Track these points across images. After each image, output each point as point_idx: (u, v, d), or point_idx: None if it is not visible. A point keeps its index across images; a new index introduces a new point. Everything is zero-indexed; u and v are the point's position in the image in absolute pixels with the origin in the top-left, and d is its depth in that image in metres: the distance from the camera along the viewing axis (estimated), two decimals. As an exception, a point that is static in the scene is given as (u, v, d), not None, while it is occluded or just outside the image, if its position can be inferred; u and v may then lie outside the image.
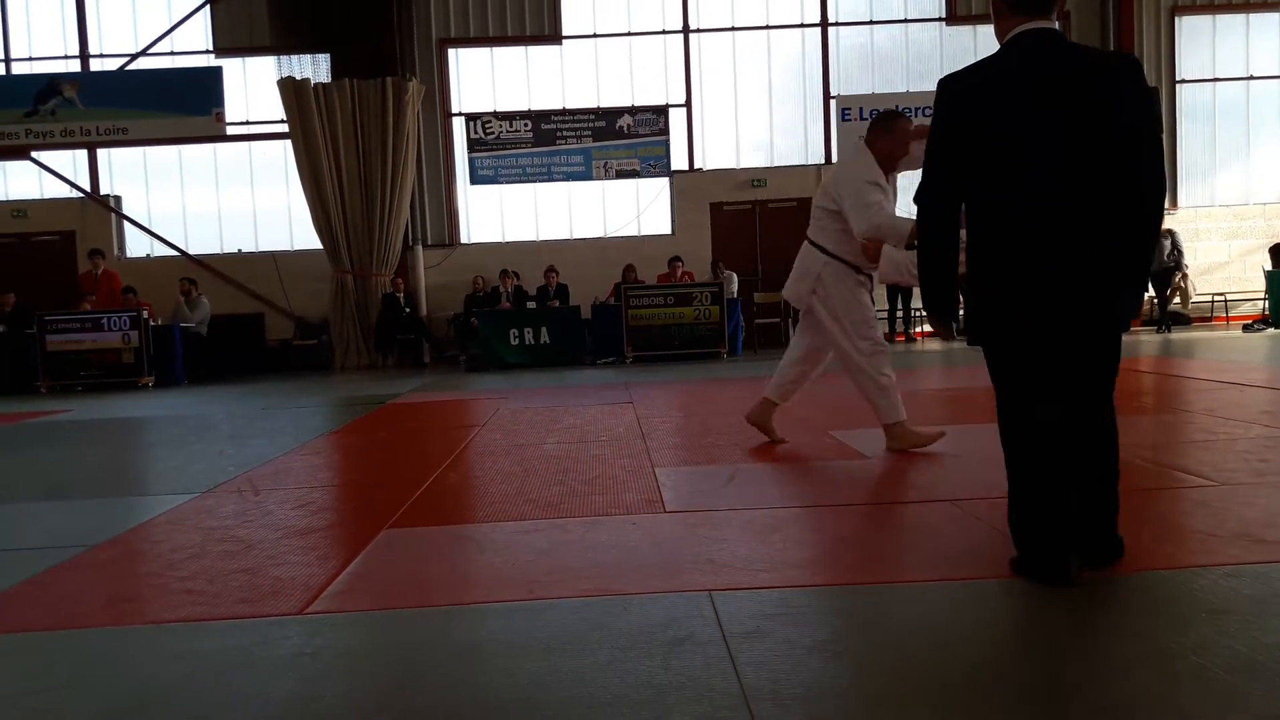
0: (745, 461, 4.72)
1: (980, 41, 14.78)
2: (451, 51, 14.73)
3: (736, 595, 2.62)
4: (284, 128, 13.93)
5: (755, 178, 14.66)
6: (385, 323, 13.71)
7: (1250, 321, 13.43)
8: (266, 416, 7.89)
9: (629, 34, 14.75)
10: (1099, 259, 2.56)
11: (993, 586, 2.61)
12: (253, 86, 14.65)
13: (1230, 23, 14.85)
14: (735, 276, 13.69)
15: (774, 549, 3.08)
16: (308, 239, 14.19)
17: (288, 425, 7.19)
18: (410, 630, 2.53)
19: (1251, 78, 14.94)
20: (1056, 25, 2.70)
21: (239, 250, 14.79)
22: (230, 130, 14.38)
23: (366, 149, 13.71)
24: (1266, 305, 13.28)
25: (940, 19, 14.76)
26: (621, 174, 14.67)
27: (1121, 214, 2.56)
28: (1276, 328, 12.55)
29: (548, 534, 3.41)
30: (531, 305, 13.23)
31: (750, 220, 14.82)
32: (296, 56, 14.35)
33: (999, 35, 2.76)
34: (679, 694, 2.01)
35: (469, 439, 5.92)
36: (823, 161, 14.84)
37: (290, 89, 13.64)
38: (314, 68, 14.30)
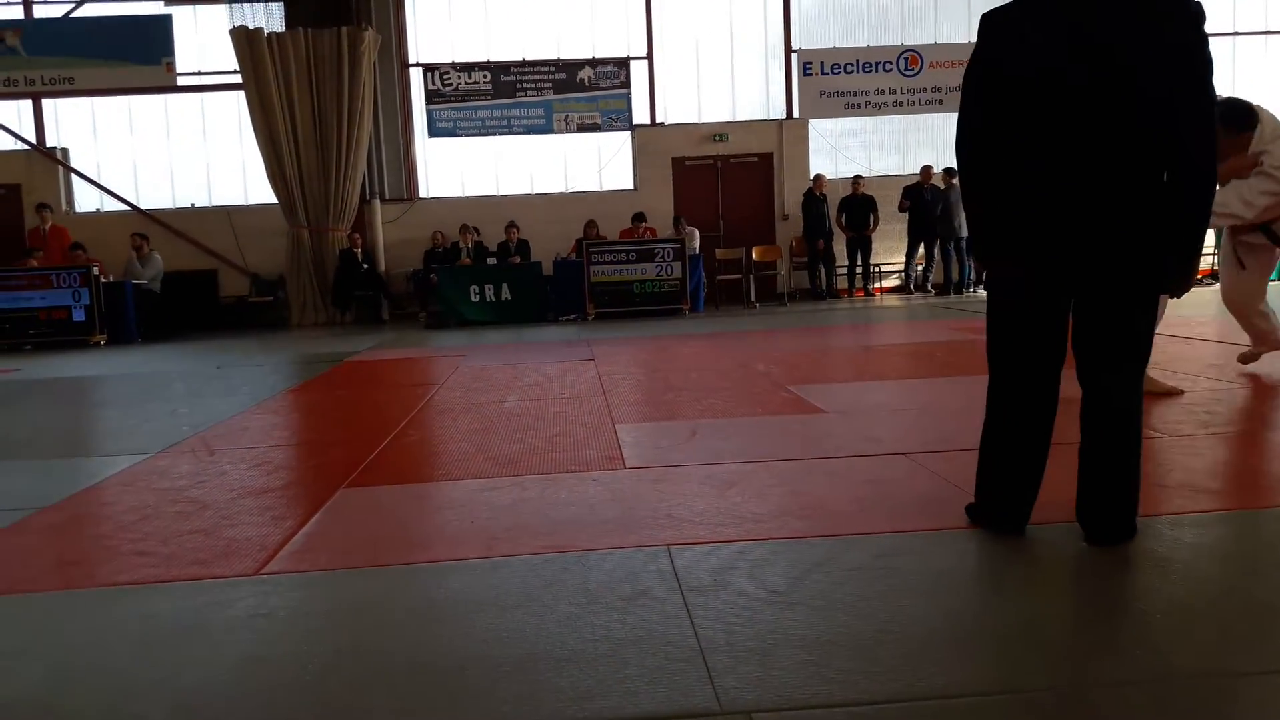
0: (706, 417, 4.74)
1: (941, -3, 14.74)
2: (409, 0, 14.40)
3: (694, 549, 2.64)
4: (237, 78, 13.58)
5: (717, 132, 14.56)
6: (342, 279, 13.53)
7: (1200, 276, 13.66)
8: (221, 375, 7.78)
9: (589, -16, 14.51)
10: (1133, 216, 2.41)
11: (946, 537, 2.66)
12: (205, 36, 14.24)
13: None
14: (697, 232, 13.65)
15: (731, 503, 3.11)
16: (263, 193, 13.91)
17: (243, 384, 7.09)
18: (367, 589, 2.52)
19: None
20: None
21: (192, 205, 14.45)
22: (181, 81, 13.99)
23: (322, 101, 13.41)
24: (1215, 261, 13.50)
25: (902, -29, 14.66)
26: (583, 127, 14.50)
27: (1165, 169, 2.41)
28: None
29: (507, 491, 3.41)
30: (492, 261, 13.12)
31: (712, 175, 14.75)
32: (249, 5, 13.92)
33: None
34: (635, 648, 2.03)
35: (428, 397, 5.89)
36: (784, 116, 14.76)
37: (243, 38, 13.28)
38: (267, 16, 13.90)
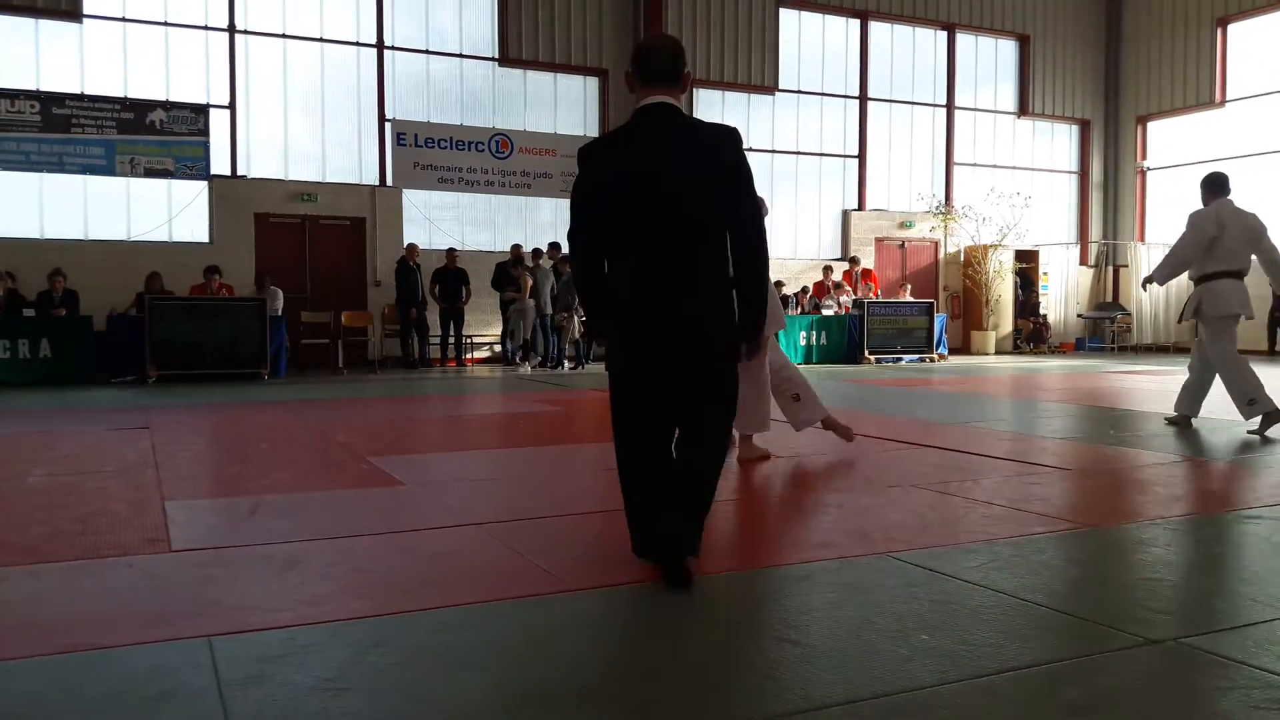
0: (273, 492, 4.45)
1: (530, 86, 15.58)
2: (-67, 9, 12.37)
3: (240, 639, 2.44)
4: None
5: (305, 192, 14.05)
6: None
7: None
8: None
9: (166, 24, 13.44)
10: (702, 306, 2.96)
11: (503, 608, 2.70)
12: None
13: (736, 100, 17.17)
14: (280, 293, 12.96)
15: (290, 586, 2.93)
16: None
17: None
18: None
19: (750, 150, 17.36)
20: (678, 101, 3.07)
21: None
22: None
23: None
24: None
25: (494, 59, 15.31)
26: (152, 172, 13.27)
27: (727, 265, 2.99)
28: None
29: (18, 583, 2.93)
30: (29, 313, 11.40)
31: (300, 235, 14.17)
32: None
33: (636, 104, 3.07)
34: (156, 757, 1.82)
35: (-74, 472, 4.93)
36: (378, 182, 14.64)
37: None
38: None
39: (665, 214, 2.93)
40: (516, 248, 14.31)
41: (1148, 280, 6.94)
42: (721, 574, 3.07)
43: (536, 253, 14.28)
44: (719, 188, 2.94)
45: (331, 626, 2.55)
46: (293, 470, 5.03)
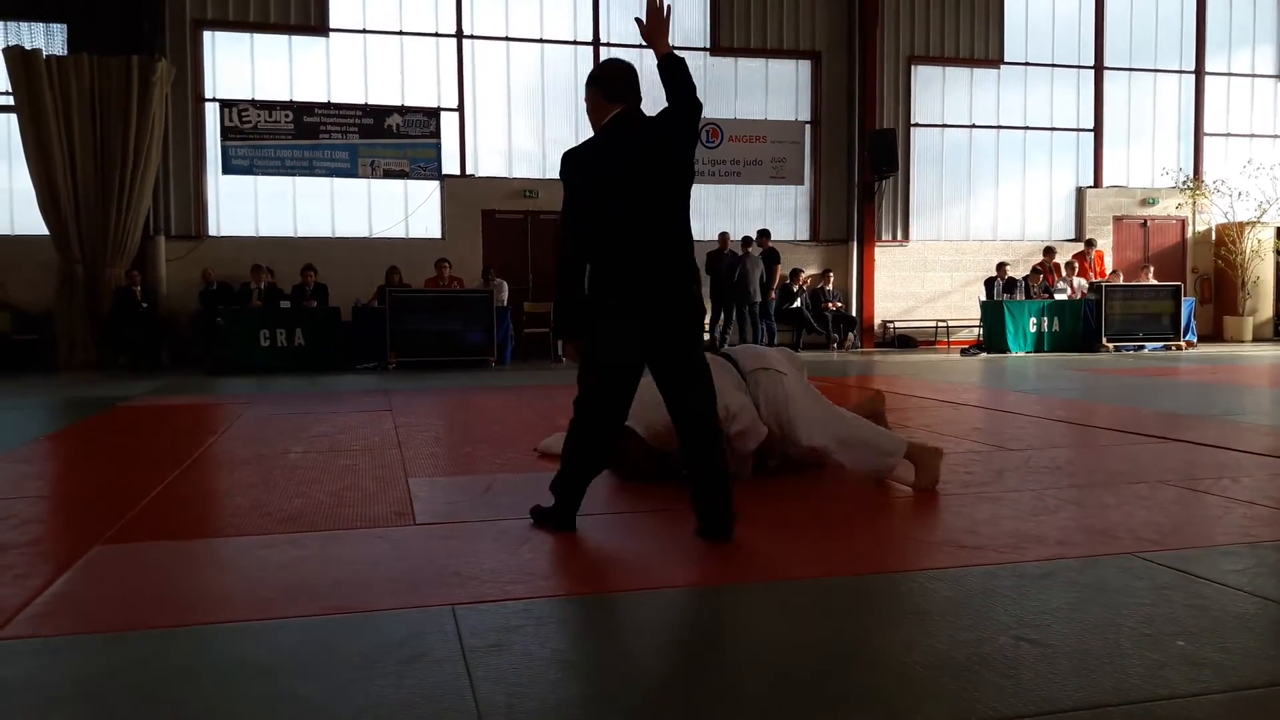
0: (505, 471, 4.68)
1: (741, 74, 15.55)
2: (207, 34, 13.77)
3: (480, 609, 2.59)
4: (9, 100, 12.52)
5: (527, 188, 14.66)
6: (118, 318, 12.59)
7: (967, 346, 14.87)
8: (-33, 419, 7.04)
9: (400, 33, 14.38)
10: (677, 292, 3.32)
11: (740, 588, 2.72)
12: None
13: (957, 75, 16.43)
14: (506, 285, 13.61)
15: (523, 560, 3.07)
16: (32, 223, 12.80)
17: (-7, 429, 6.44)
18: (119, 655, 2.31)
19: (973, 126, 16.58)
20: (639, 104, 3.43)
21: (-56, 231, 13.12)
22: (-63, 96, 12.78)
23: (106, 130, 12.55)
24: (981, 332, 14.75)
25: (705, 49, 15.38)
26: (390, 174, 14.25)
27: (692, 252, 3.40)
28: (989, 352, 13.96)
29: (283, 549, 3.23)
30: (286, 305, 12.54)
31: (522, 230, 14.80)
32: (27, 24, 12.89)
33: (597, 121, 3.43)
34: (410, 713, 1.96)
35: (204, 447, 5.53)
36: (593, 176, 15.04)
37: (18, 59, 12.27)
38: (47, 38, 12.92)
39: (636, 206, 3.29)
40: (724, 236, 14.33)
41: None
42: (955, 569, 2.95)
43: (746, 240, 14.24)
44: (682, 165, 3.37)
45: (562, 600, 2.66)
46: (522, 450, 5.26)
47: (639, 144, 3.32)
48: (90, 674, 2.21)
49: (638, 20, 3.36)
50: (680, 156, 3.36)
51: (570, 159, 3.39)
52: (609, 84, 3.42)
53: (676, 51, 3.31)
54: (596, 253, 3.34)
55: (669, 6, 3.35)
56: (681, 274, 3.34)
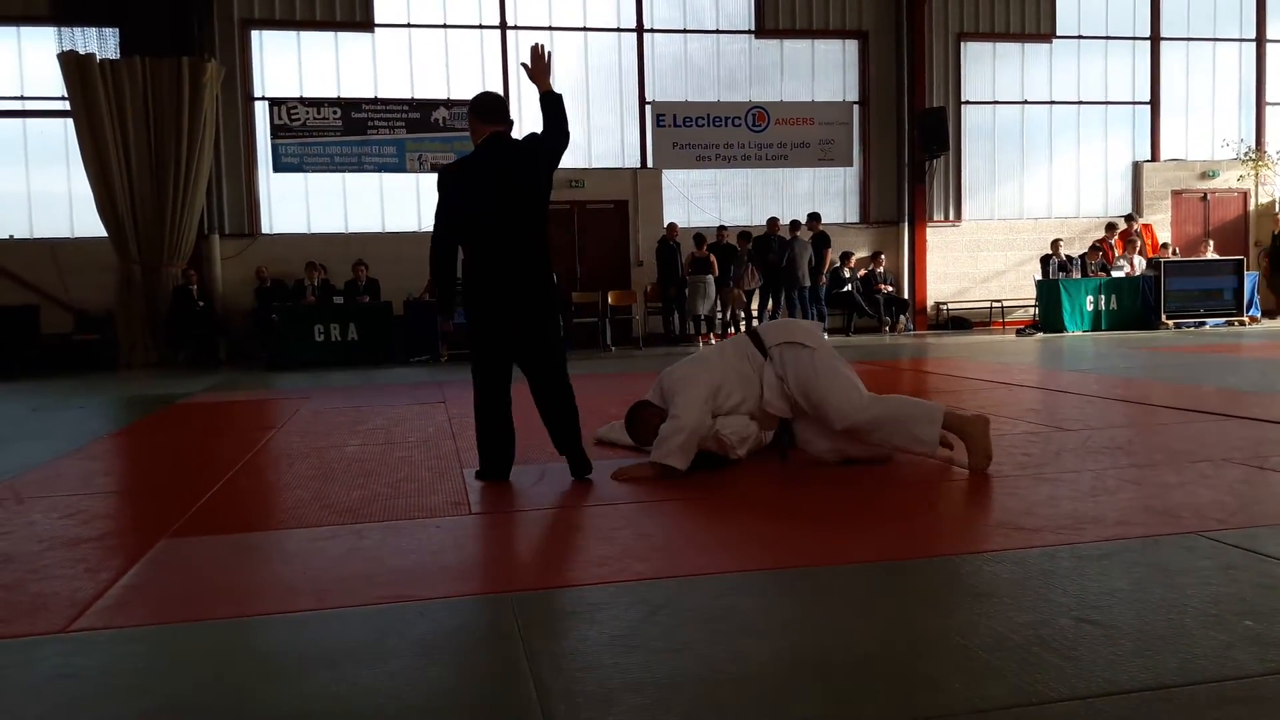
0: (556, 461, 4.70)
1: (787, 56, 15.42)
2: (255, 33, 14.00)
3: (537, 595, 2.61)
4: (65, 105, 12.85)
5: (574, 178, 14.69)
6: (176, 317, 12.89)
7: (1023, 326, 14.62)
8: (36, 418, 7.26)
9: (445, 26, 14.48)
10: (532, 289, 4.03)
11: (786, 576, 2.72)
12: (28, 59, 13.43)
13: (1008, 50, 16.12)
14: (554, 275, 13.65)
15: (576, 547, 3.10)
16: (91, 226, 13.14)
17: (60, 427, 6.63)
18: (187, 645, 2.38)
19: (1025, 102, 16.27)
20: (508, 131, 4.14)
21: (10, 236, 13.50)
22: (1, 105, 13.13)
23: (159, 132, 12.84)
24: (1036, 312, 14.49)
25: (750, 31, 15.27)
26: (437, 168, 14.33)
27: (547, 248, 4.14)
28: (1045, 332, 13.72)
29: (344, 540, 3.29)
30: (339, 300, 12.74)
31: (569, 220, 14.85)
32: (80, 29, 13.20)
33: (475, 141, 4.11)
34: (472, 698, 1.99)
35: (263, 442, 5.64)
36: (639, 165, 15.05)
37: (73, 64, 12.60)
38: (100, 43, 13.21)
39: (499, 213, 3.96)
40: (773, 220, 14.24)
41: None
42: (1013, 550, 2.92)
43: (795, 224, 14.13)
44: (540, 181, 4.07)
45: (617, 587, 2.67)
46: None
47: (504, 163, 4.01)
48: (160, 664, 2.28)
49: (524, 64, 4.21)
50: (539, 174, 4.06)
51: (446, 173, 4.10)
52: (483, 111, 4.12)
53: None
54: (467, 250, 4.05)
55: (549, 53, 4.19)
56: (534, 270, 4.03)
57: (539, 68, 4.13)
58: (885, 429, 4.02)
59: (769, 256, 13.84)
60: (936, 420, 3.96)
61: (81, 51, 12.77)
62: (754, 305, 14.11)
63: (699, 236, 13.79)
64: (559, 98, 4.08)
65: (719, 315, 14.04)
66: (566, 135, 4.05)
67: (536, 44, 4.22)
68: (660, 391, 4.33)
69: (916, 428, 3.96)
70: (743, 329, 13.46)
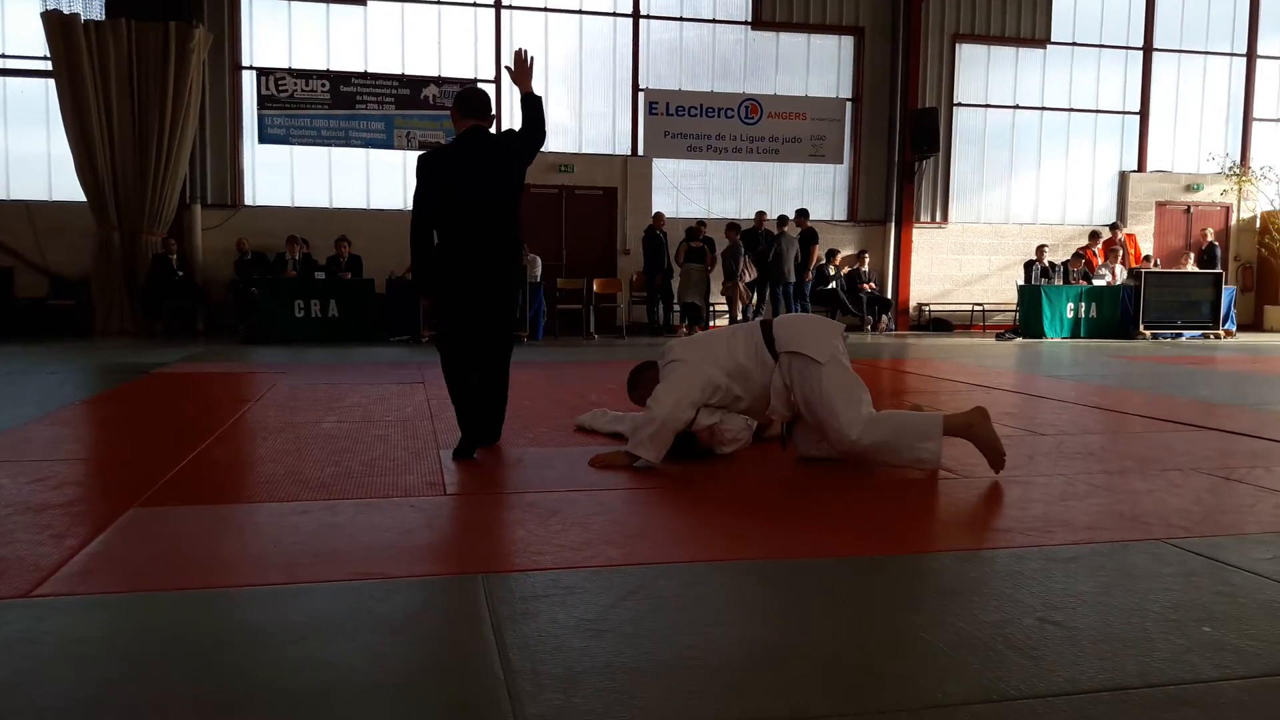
0: (534, 446, 4.71)
1: (782, 49, 15.40)
2: (245, 1, 13.85)
3: (508, 578, 2.61)
4: (47, 65, 12.68)
5: (563, 163, 14.64)
6: (154, 286, 12.77)
7: (1003, 331, 14.72)
8: (8, 381, 7.18)
9: (438, 2, 14.37)
10: (500, 274, 4.33)
11: (749, 566, 2.73)
12: (10, 16, 13.24)
13: (1002, 54, 16.18)
14: (539, 260, 13.62)
15: (551, 531, 3.09)
16: (70, 189, 12.99)
17: (31, 392, 6.56)
18: (151, 614, 2.37)
19: (1017, 107, 16.33)
20: (488, 125, 4.44)
21: (-13, 196, 13.34)
22: (-20, 62, 12.97)
23: (142, 97, 12.69)
24: (1017, 316, 14.58)
25: (746, 22, 15.24)
26: (425, 145, 14.26)
27: (519, 236, 4.46)
28: (1025, 337, 13.81)
29: (316, 516, 3.28)
30: (320, 276, 12.64)
31: (556, 205, 14.80)
32: (66, -12, 13.03)
33: (457, 131, 4.37)
34: (439, 677, 1.99)
35: (239, 414, 5.61)
36: (629, 152, 15.01)
37: (56, 23, 12.42)
38: (85, 3, 13.04)
39: (471, 202, 4.22)
40: (760, 214, 14.25)
41: None
42: (981, 550, 2.94)
43: (783, 219, 14.15)
44: (513, 174, 4.36)
45: (589, 572, 2.68)
46: (551, 425, 5.29)
47: (481, 154, 4.29)
48: (123, 632, 2.26)
49: (507, 67, 4.54)
50: (513, 167, 4.35)
51: (426, 161, 4.34)
52: (465, 105, 4.39)
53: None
54: (442, 233, 4.27)
55: (532, 58, 4.50)
56: (504, 253, 4.32)
57: (521, 71, 4.46)
58: (885, 451, 3.93)
59: (757, 249, 13.87)
60: (936, 435, 3.88)
61: (66, 11, 12.59)
62: (753, 300, 14.14)
63: (692, 230, 13.78)
64: (539, 100, 4.43)
65: (710, 307, 14.03)
66: (543, 134, 4.39)
67: (520, 49, 4.52)
68: (661, 361, 4.34)
69: (918, 448, 3.87)
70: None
